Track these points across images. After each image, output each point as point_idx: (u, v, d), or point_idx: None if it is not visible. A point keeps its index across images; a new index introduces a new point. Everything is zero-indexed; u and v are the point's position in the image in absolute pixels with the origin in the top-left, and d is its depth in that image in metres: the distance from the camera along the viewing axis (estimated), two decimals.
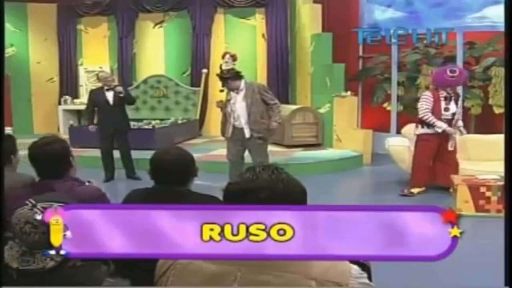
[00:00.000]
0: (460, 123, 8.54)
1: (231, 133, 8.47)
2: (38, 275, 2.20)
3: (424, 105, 8.40)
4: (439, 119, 8.32)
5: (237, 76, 8.45)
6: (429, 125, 8.38)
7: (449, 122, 8.38)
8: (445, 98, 8.37)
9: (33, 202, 2.26)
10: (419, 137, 8.55)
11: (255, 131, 8.35)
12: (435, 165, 8.59)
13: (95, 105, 9.66)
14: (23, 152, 3.87)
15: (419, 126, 8.54)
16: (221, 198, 2.02)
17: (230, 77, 8.38)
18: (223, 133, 8.75)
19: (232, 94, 8.46)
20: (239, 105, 8.35)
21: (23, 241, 2.22)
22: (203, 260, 1.94)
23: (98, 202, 3.45)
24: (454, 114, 8.41)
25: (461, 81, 8.72)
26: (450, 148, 8.38)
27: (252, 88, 8.43)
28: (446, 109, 8.37)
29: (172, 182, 3.40)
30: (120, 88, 9.59)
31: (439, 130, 8.29)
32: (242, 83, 8.41)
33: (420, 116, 8.41)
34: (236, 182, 1.98)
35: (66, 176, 3.51)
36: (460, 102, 8.50)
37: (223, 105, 8.64)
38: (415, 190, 8.57)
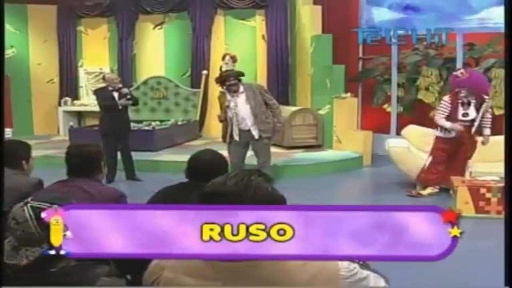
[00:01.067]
0: (487, 131, 8.31)
1: (238, 136, 8.47)
2: (14, 268, 2.21)
3: (440, 110, 8.42)
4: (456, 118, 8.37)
5: (238, 77, 8.46)
6: (445, 129, 8.40)
7: (467, 128, 8.31)
8: (463, 104, 8.31)
9: (28, 200, 2.28)
10: (436, 139, 8.56)
11: (263, 131, 8.39)
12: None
13: (101, 104, 9.65)
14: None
15: (438, 128, 8.53)
16: None
17: (232, 80, 8.37)
18: (224, 138, 8.73)
19: (230, 98, 8.44)
20: (242, 108, 8.35)
21: (13, 236, 2.25)
22: (187, 274, 1.93)
23: (118, 203, 3.61)
24: (473, 120, 8.28)
25: (468, 84, 8.53)
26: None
27: (252, 90, 8.45)
28: (465, 115, 8.28)
29: (205, 179, 3.53)
30: (126, 90, 9.63)
31: (451, 134, 8.31)
32: (241, 86, 8.43)
33: (435, 119, 8.47)
34: (211, 183, 1.97)
35: (95, 178, 3.76)
36: (483, 109, 8.24)
37: (223, 117, 8.64)
38: (425, 192, 8.58)
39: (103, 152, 3.88)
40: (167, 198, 3.68)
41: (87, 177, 3.65)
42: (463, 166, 8.30)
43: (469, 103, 8.29)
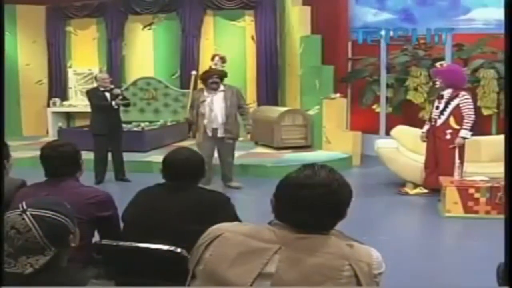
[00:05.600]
0: (463, 132, 8.07)
1: (210, 132, 8.65)
2: (18, 277, 2.19)
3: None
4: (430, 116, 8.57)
5: (221, 76, 8.79)
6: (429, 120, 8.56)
7: (435, 120, 8.35)
8: (439, 97, 8.39)
9: (24, 207, 2.25)
10: None
11: (229, 131, 8.70)
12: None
13: (93, 104, 9.60)
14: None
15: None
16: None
17: (215, 78, 8.67)
18: (195, 134, 8.95)
19: (207, 94, 8.69)
20: (217, 106, 8.66)
21: (8, 244, 2.22)
22: (246, 235, 2.10)
23: (106, 205, 3.59)
24: (440, 113, 8.26)
25: (442, 73, 8.53)
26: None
27: (231, 90, 8.90)
28: (437, 107, 8.35)
29: (182, 179, 3.62)
30: (117, 90, 9.57)
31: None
32: (221, 85, 8.75)
33: None
34: (294, 176, 2.12)
35: (74, 178, 3.67)
36: (453, 105, 8.11)
37: (191, 118, 8.98)
38: (413, 191, 8.59)
39: (79, 150, 3.79)
40: (146, 199, 3.66)
41: (66, 177, 3.58)
42: (448, 163, 8.15)
43: (442, 96, 8.32)
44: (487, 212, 7.28)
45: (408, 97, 12.24)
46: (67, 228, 2.28)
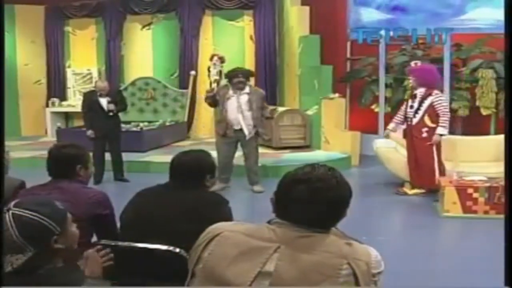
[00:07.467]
0: (439, 129, 8.21)
1: (233, 133, 8.60)
2: (8, 276, 2.19)
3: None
4: (405, 115, 8.60)
5: (247, 76, 8.81)
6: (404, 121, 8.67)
7: (411, 119, 8.45)
8: (412, 97, 8.58)
9: (10, 206, 2.24)
10: None
11: (263, 133, 8.81)
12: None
13: (90, 107, 9.60)
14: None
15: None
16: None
17: (241, 77, 8.61)
18: (223, 132, 8.75)
19: (232, 93, 8.58)
20: (244, 107, 8.52)
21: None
22: (247, 235, 2.11)
23: (103, 204, 3.60)
24: (415, 112, 8.37)
25: (415, 72, 8.68)
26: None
27: (257, 94, 8.72)
28: (411, 107, 8.48)
29: (188, 179, 3.64)
30: (111, 106, 9.49)
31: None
32: (247, 86, 8.62)
33: None
34: (293, 173, 2.16)
35: (76, 180, 3.65)
36: (427, 104, 8.25)
37: (211, 96, 8.88)
38: (411, 191, 8.60)
39: (84, 153, 3.78)
40: (144, 199, 3.66)
41: (67, 178, 3.58)
42: (426, 160, 8.28)
43: (415, 96, 8.46)
44: (486, 212, 7.28)
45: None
46: (47, 229, 2.24)
